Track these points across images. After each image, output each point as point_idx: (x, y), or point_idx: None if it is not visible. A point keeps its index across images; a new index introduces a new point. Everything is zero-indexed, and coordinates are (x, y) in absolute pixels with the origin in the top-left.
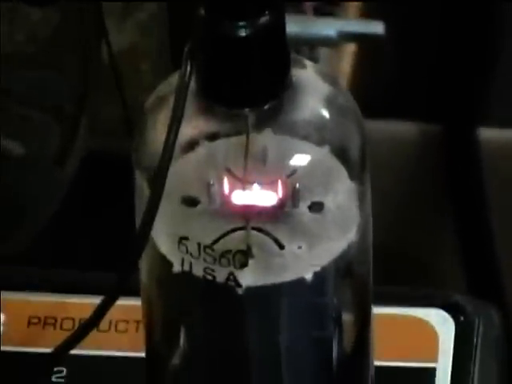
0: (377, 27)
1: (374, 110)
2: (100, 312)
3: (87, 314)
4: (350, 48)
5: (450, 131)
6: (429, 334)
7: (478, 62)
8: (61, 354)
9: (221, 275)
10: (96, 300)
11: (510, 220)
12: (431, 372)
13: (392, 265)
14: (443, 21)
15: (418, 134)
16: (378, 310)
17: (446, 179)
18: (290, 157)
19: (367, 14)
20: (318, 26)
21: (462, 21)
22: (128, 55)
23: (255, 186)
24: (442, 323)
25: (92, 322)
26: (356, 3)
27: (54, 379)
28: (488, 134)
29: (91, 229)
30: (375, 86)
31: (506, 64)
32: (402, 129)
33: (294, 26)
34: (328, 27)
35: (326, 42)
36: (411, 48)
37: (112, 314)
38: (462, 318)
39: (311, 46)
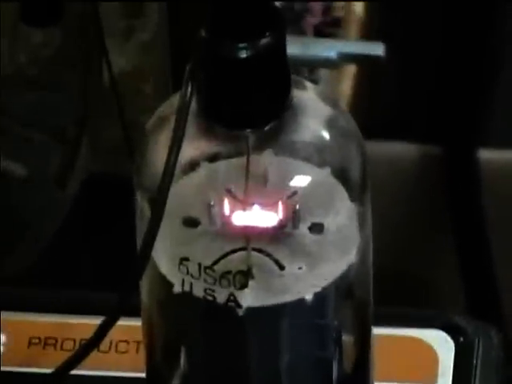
0: (377, 48)
1: (374, 131)
2: (101, 332)
3: (88, 334)
4: (350, 69)
5: (449, 152)
6: (429, 354)
7: (477, 83)
8: (62, 374)
9: (221, 296)
10: (97, 320)
11: (509, 240)
12: None
13: (391, 285)
14: (444, 43)
15: (417, 155)
16: (378, 331)
17: (445, 200)
18: (291, 178)
19: (367, 35)
20: (318, 47)
21: (462, 44)
22: (129, 76)
23: (256, 207)
24: (441, 344)
25: (93, 343)
26: (357, 24)
27: None
28: (487, 155)
29: (92, 249)
30: (375, 108)
31: (506, 86)
32: (402, 150)
33: (294, 47)
34: (328, 48)
35: (326, 63)
36: (411, 70)
37: (112, 334)
38: (461, 339)
39: (311, 68)
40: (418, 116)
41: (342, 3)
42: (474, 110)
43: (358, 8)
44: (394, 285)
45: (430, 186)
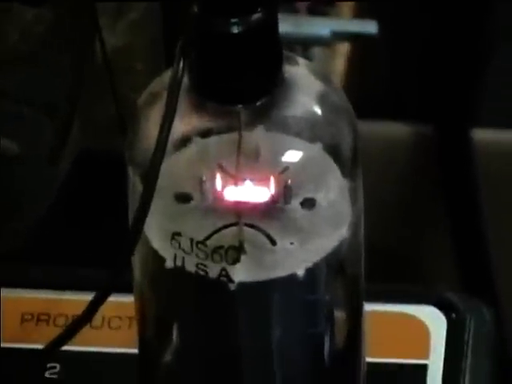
0: (370, 26)
1: (366, 110)
2: (92, 308)
3: (80, 310)
4: (344, 48)
5: (442, 131)
6: (420, 331)
7: (470, 62)
8: (53, 350)
9: (213, 271)
10: (89, 296)
11: (501, 219)
12: (423, 369)
13: (382, 263)
14: (436, 20)
15: (409, 134)
16: (369, 307)
17: (437, 179)
18: (282, 153)
19: (361, 13)
20: (311, 25)
21: (454, 21)
22: (121, 54)
23: (247, 182)
24: (433, 320)
25: (84, 318)
26: (350, 3)
27: (47, 375)
28: (480, 135)
29: (84, 226)
30: (367, 87)
31: (499, 65)
32: (394, 129)
33: (288, 25)
34: (322, 27)
35: (320, 41)
36: (404, 48)
37: (105, 310)
38: (453, 316)
39: (305, 46)
40: (410, 95)
41: None
42: (467, 88)
43: None
44: (385, 262)
45: (421, 165)
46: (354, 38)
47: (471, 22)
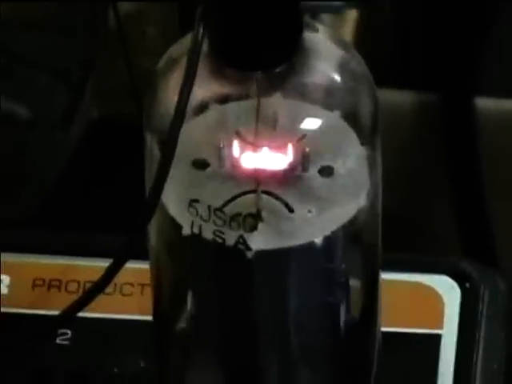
0: None
1: (373, 78)
2: (108, 275)
3: (92, 276)
4: (352, 15)
5: (447, 100)
6: (435, 300)
7: (476, 33)
8: (67, 317)
9: (230, 238)
10: (101, 263)
11: (504, 189)
12: (437, 338)
13: (388, 231)
14: None
15: (414, 102)
16: (384, 276)
17: (442, 148)
18: (301, 121)
19: None
20: None
21: None
22: (135, 20)
23: (265, 149)
24: (448, 290)
25: (100, 286)
26: None
27: (58, 341)
28: (485, 104)
29: (97, 193)
30: (373, 55)
31: (505, 35)
32: (399, 97)
33: None
34: None
35: (329, 8)
36: (410, 16)
37: (117, 277)
38: (467, 285)
39: (313, 13)
40: (416, 64)
41: None
42: (472, 58)
43: None
44: (391, 230)
45: (426, 133)
46: (363, 4)
47: None
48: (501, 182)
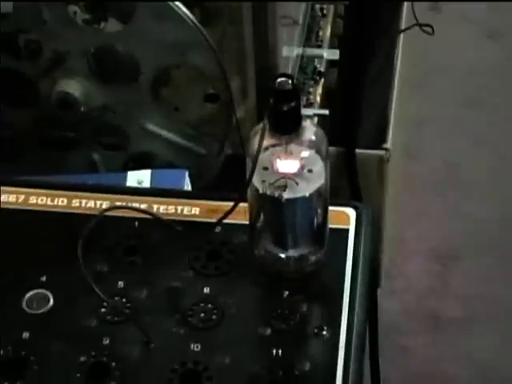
0: None
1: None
2: (230, 211)
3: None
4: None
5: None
6: (346, 216)
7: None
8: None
9: (276, 194)
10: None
11: None
12: (347, 231)
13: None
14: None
15: (335, 152)
16: (330, 208)
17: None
18: (301, 153)
19: None
20: None
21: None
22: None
23: (289, 162)
24: (351, 213)
25: (225, 215)
26: None
27: None
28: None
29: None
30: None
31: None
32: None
33: None
34: None
35: None
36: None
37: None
38: (358, 210)
39: None
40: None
41: None
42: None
43: None
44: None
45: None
46: None
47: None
48: None
